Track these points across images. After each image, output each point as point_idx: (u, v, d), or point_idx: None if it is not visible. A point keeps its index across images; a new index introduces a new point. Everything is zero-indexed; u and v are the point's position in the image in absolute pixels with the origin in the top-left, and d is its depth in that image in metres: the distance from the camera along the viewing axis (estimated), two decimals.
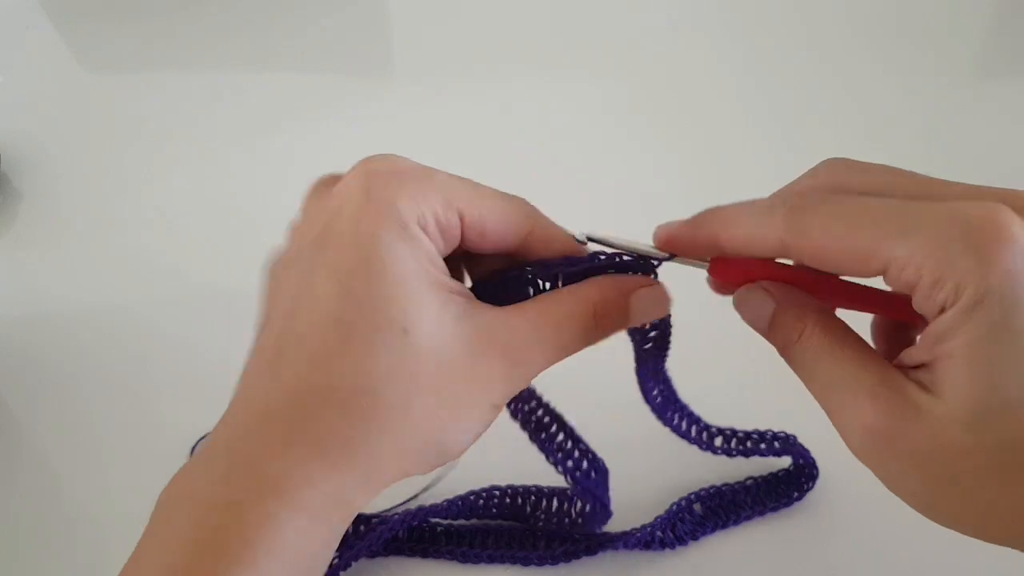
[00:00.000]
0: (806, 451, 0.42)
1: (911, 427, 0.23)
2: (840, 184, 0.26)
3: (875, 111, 0.63)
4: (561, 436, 0.35)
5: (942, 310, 0.23)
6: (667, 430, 0.39)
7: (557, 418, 0.35)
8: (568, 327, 0.29)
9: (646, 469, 0.43)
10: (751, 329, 0.29)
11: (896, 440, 0.24)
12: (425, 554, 0.41)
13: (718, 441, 0.41)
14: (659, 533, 0.40)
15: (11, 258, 0.58)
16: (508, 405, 0.34)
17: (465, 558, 0.41)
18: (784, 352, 0.28)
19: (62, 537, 0.44)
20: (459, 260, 0.31)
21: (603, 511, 0.39)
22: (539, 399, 0.34)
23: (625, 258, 0.30)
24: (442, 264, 0.28)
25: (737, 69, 0.68)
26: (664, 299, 0.31)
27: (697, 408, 0.40)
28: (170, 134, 0.66)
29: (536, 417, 0.34)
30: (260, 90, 0.69)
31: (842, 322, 0.27)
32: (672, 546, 0.40)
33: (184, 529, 0.25)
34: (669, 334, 0.34)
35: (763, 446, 0.41)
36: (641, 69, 0.70)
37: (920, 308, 0.24)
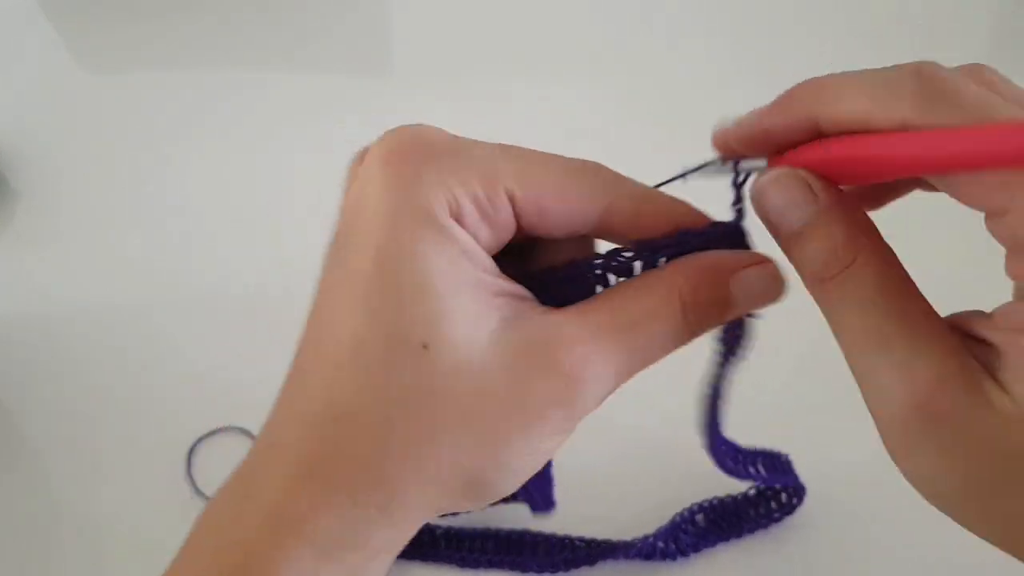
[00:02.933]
0: (794, 476, 0.40)
1: (974, 418, 0.20)
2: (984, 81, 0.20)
3: None
4: None
5: None
6: (671, 440, 0.37)
7: None
8: (648, 328, 0.23)
9: (648, 479, 0.43)
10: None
11: (950, 428, 0.20)
12: (424, 558, 0.41)
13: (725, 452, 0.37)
14: (660, 544, 0.40)
15: (9, 258, 0.58)
16: None
17: (464, 563, 0.41)
18: (815, 282, 0.22)
19: (62, 537, 0.44)
20: (526, 250, 0.26)
21: (537, 500, 0.37)
22: None
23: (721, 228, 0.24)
24: (485, 259, 0.23)
25: (738, 70, 0.68)
26: (778, 279, 0.24)
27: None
28: (169, 134, 0.66)
29: None
30: (260, 90, 0.69)
31: (897, 258, 0.22)
32: (673, 557, 0.40)
33: (199, 566, 0.23)
34: (747, 332, 0.27)
35: (761, 470, 0.39)
36: (642, 69, 0.70)
37: (1011, 272, 0.20)
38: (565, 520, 0.41)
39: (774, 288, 0.24)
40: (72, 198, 0.61)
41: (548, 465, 0.34)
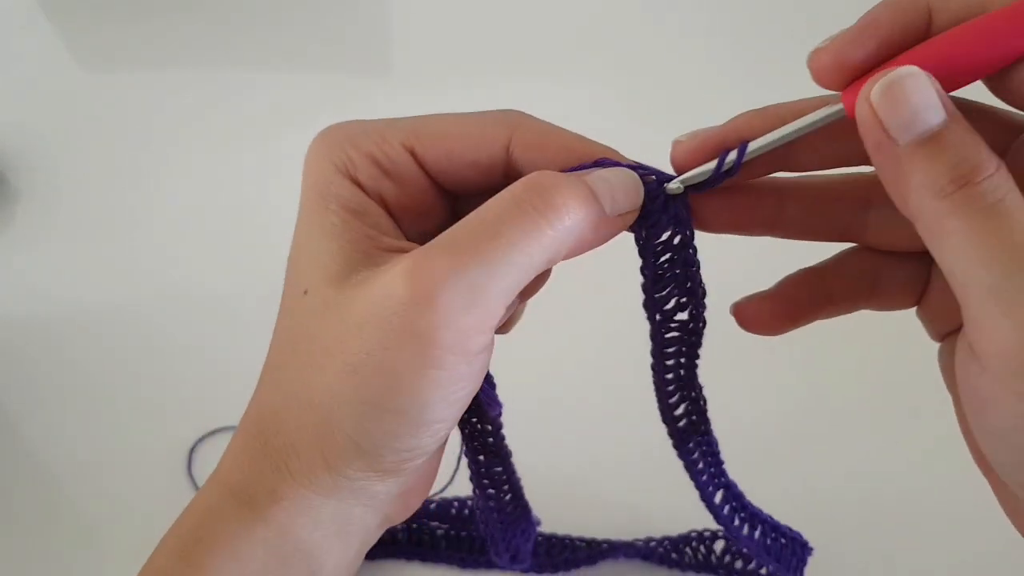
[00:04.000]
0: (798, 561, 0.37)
1: None
2: None
3: None
4: (499, 468, 0.30)
5: None
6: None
7: (502, 454, 0.29)
8: (492, 228, 0.21)
9: (670, 484, 0.42)
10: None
11: None
12: (424, 558, 0.41)
13: (721, 502, 0.33)
14: (661, 549, 0.40)
15: (9, 258, 0.58)
16: (461, 426, 0.28)
17: (464, 563, 0.41)
18: (952, 189, 0.19)
19: (62, 536, 0.44)
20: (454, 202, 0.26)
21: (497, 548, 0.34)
22: (499, 431, 0.29)
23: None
24: (375, 212, 0.24)
25: (739, 69, 0.68)
26: (626, 174, 0.23)
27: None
28: (168, 134, 0.66)
29: (481, 443, 0.29)
30: (260, 90, 0.69)
31: None
32: (670, 565, 0.40)
33: (176, 535, 0.25)
34: (701, 324, 0.26)
35: (761, 537, 0.35)
36: (643, 67, 0.70)
37: None
38: (565, 520, 0.41)
39: (630, 179, 0.23)
40: (72, 198, 0.61)
41: (530, 526, 0.33)
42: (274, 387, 0.24)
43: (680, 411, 0.29)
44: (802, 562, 0.37)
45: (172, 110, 0.68)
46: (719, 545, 0.40)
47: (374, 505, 0.25)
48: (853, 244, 0.27)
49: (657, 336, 0.27)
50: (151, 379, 0.50)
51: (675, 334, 0.27)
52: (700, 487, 0.31)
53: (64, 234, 0.59)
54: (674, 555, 0.40)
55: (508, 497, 0.31)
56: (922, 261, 0.25)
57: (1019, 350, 0.18)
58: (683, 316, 0.26)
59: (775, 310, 0.26)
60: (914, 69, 0.20)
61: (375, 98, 0.68)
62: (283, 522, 0.23)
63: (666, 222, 0.24)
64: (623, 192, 0.23)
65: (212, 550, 0.23)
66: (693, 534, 0.40)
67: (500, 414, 0.28)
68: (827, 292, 0.26)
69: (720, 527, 0.33)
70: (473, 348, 0.22)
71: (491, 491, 0.30)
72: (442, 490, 0.43)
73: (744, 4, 0.76)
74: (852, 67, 0.22)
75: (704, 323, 0.26)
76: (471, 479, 0.30)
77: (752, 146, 0.23)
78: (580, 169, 0.24)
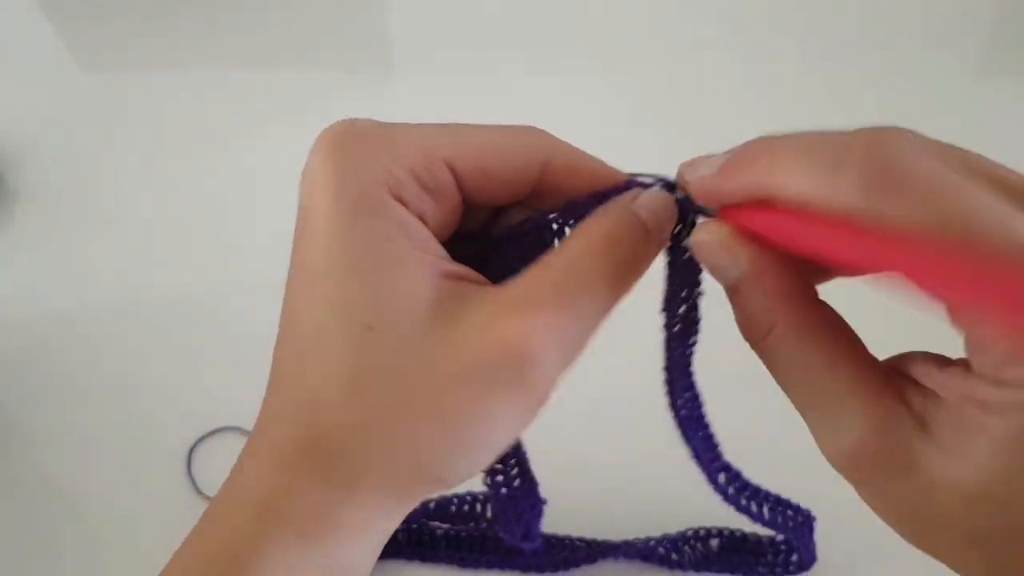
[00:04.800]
0: (809, 541, 0.38)
1: (899, 479, 0.20)
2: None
3: (876, 110, 0.63)
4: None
5: (999, 382, 0.18)
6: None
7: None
8: (582, 279, 0.22)
9: (653, 483, 0.42)
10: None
11: (878, 486, 0.21)
12: (424, 558, 0.41)
13: (727, 483, 0.34)
14: (661, 550, 0.40)
15: (8, 258, 0.58)
16: None
17: (464, 563, 0.41)
18: (747, 340, 0.23)
19: (62, 537, 0.44)
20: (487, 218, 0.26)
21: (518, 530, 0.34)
22: None
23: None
24: (425, 236, 0.23)
25: (740, 68, 0.68)
26: (664, 195, 0.24)
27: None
28: (168, 134, 0.66)
29: None
30: (259, 89, 0.69)
31: (825, 320, 0.22)
32: (670, 567, 0.40)
33: (192, 549, 0.24)
34: (696, 314, 0.27)
35: (771, 513, 0.36)
36: (643, 65, 0.70)
37: (973, 357, 0.19)
38: (565, 520, 0.41)
39: (664, 200, 0.24)
40: (72, 198, 0.61)
41: (538, 502, 0.33)
42: (336, 422, 0.23)
43: (680, 401, 0.30)
44: (809, 530, 0.38)
45: (172, 110, 0.68)
46: (715, 542, 0.40)
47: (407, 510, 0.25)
48: None
49: (669, 329, 0.28)
50: (151, 379, 0.50)
51: (679, 326, 0.28)
52: (705, 470, 0.33)
53: (64, 234, 0.59)
54: (673, 554, 0.40)
55: (515, 471, 0.31)
56: None
57: (836, 463, 0.22)
58: (683, 309, 0.27)
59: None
60: (710, 230, 0.22)
61: (375, 97, 0.68)
62: (338, 546, 0.23)
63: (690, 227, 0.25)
64: (667, 218, 0.24)
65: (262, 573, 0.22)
66: (690, 532, 0.40)
67: None
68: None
69: (714, 526, 0.36)
70: (552, 390, 0.23)
71: (498, 466, 0.31)
72: None
73: (748, 4, 0.76)
74: (720, 202, 0.23)
75: (698, 313, 0.27)
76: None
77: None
78: (612, 192, 0.24)
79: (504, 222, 0.26)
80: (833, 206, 0.18)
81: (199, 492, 0.44)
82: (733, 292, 0.22)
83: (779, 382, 0.22)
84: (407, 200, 0.23)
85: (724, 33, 0.73)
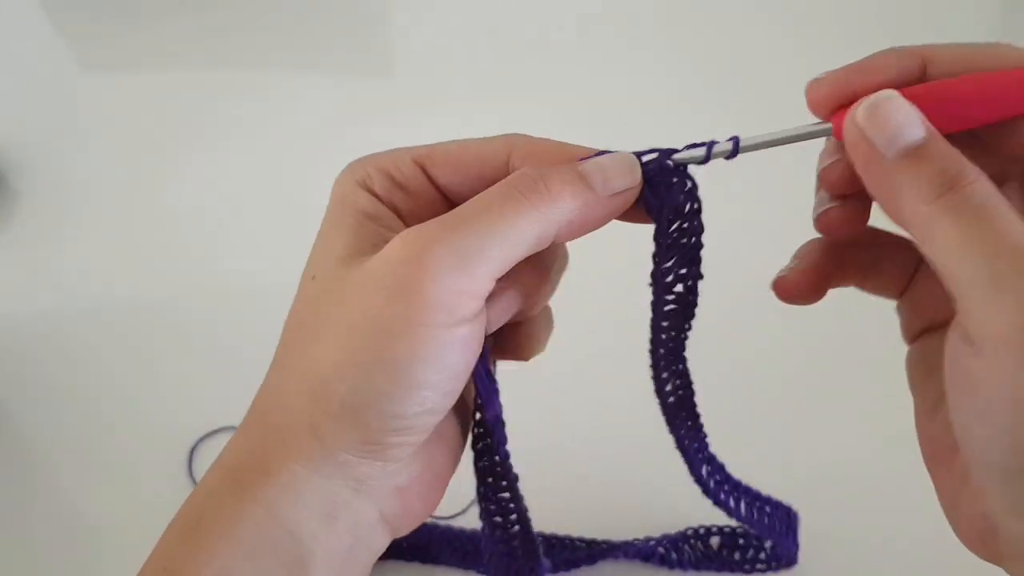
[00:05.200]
0: (791, 538, 0.39)
1: None
2: None
3: None
4: (506, 494, 0.29)
5: None
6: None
7: (509, 476, 0.29)
8: (481, 206, 0.24)
9: (668, 485, 0.42)
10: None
11: None
12: (424, 559, 0.41)
13: (708, 476, 0.34)
14: (661, 549, 0.40)
15: (9, 258, 0.58)
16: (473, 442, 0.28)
17: (464, 564, 0.41)
18: (931, 198, 0.21)
19: (62, 536, 0.44)
20: None
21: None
22: (503, 452, 0.28)
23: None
24: (387, 217, 0.26)
25: (739, 68, 0.68)
26: (629, 158, 0.25)
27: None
28: (169, 134, 0.66)
29: (486, 463, 0.29)
30: (259, 90, 0.69)
31: None
32: (671, 566, 0.40)
33: (180, 518, 0.26)
34: (694, 297, 0.28)
35: (748, 510, 0.36)
36: (645, 66, 0.70)
37: None
38: (565, 520, 0.41)
39: (626, 161, 0.25)
40: (72, 198, 0.61)
41: (541, 568, 0.32)
42: (278, 367, 0.26)
43: (669, 387, 0.30)
44: (793, 529, 0.39)
45: (173, 110, 0.68)
46: (715, 540, 0.40)
47: (363, 491, 0.25)
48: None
49: (657, 307, 0.28)
50: (151, 379, 0.50)
51: (672, 306, 0.28)
52: (688, 461, 0.33)
53: (64, 234, 0.59)
54: (673, 554, 0.40)
55: (516, 529, 0.30)
56: (913, 253, 0.27)
57: (1011, 333, 0.20)
58: (680, 288, 0.28)
59: (810, 280, 0.28)
60: (893, 92, 0.23)
61: (376, 99, 0.68)
62: (270, 499, 0.24)
63: (677, 190, 0.26)
64: (617, 171, 0.25)
65: (211, 531, 0.24)
66: (689, 531, 0.40)
67: (498, 418, 0.27)
68: (840, 263, 0.28)
69: (713, 524, 0.36)
70: (460, 310, 0.23)
71: (497, 519, 0.30)
72: (460, 513, 0.43)
73: (730, 10, 0.76)
74: (845, 100, 0.24)
75: (696, 296, 0.28)
76: (479, 504, 0.30)
77: (744, 143, 0.25)
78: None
79: None
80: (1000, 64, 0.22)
81: None
82: (928, 147, 0.22)
83: (960, 239, 0.21)
84: (377, 192, 0.26)
85: (724, 33, 0.73)
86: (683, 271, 0.27)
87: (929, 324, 0.27)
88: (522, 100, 0.66)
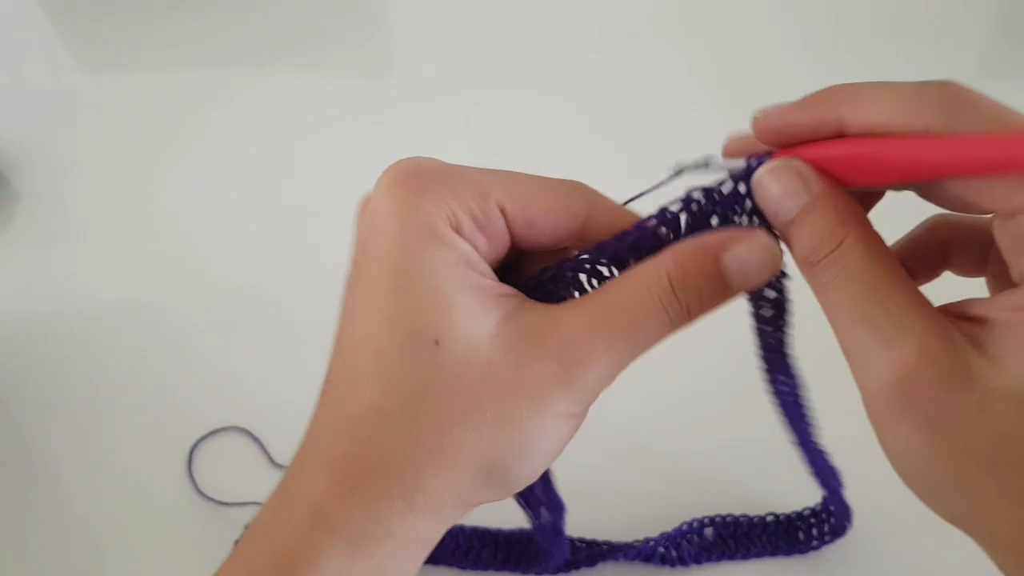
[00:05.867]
0: (842, 500, 0.39)
1: (957, 393, 0.20)
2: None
3: None
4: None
5: None
6: (693, 446, 0.36)
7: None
8: (638, 311, 0.24)
9: (662, 483, 0.43)
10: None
11: (931, 402, 0.21)
12: (425, 560, 0.41)
13: (815, 462, 0.35)
14: (661, 549, 0.40)
15: (9, 258, 0.58)
16: None
17: (465, 565, 0.41)
18: (806, 266, 0.23)
19: (62, 537, 0.44)
20: (520, 261, 0.28)
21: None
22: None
23: (700, 203, 0.25)
24: (483, 266, 0.25)
25: (739, 68, 0.68)
26: (771, 249, 0.24)
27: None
28: (169, 134, 0.66)
29: None
30: (260, 90, 0.69)
31: (885, 245, 0.23)
32: (672, 564, 0.40)
33: (244, 558, 0.25)
34: (785, 302, 0.27)
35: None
36: (646, 68, 0.70)
37: (1012, 260, 0.21)
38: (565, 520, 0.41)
39: (770, 257, 0.24)
40: (72, 198, 0.61)
41: (562, 522, 0.34)
42: (398, 434, 0.24)
43: (786, 388, 0.31)
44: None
45: (173, 110, 0.68)
46: (709, 531, 0.41)
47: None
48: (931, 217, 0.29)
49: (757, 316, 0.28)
50: (151, 379, 0.50)
51: (772, 310, 0.28)
52: (808, 453, 0.34)
53: (64, 234, 0.59)
54: (673, 551, 0.40)
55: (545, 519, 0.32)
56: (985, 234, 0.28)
57: (879, 396, 0.22)
58: (773, 293, 0.27)
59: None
60: (777, 163, 0.24)
61: (375, 98, 0.68)
62: (388, 557, 0.24)
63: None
64: (758, 266, 0.24)
65: None
66: (684, 526, 0.40)
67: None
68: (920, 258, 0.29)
69: (705, 516, 0.38)
70: (572, 424, 0.25)
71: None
72: None
73: (733, 8, 0.76)
74: (789, 137, 0.24)
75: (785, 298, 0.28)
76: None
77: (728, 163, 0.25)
78: (638, 234, 0.25)
79: (528, 263, 0.28)
80: (916, 124, 0.21)
81: (199, 492, 0.44)
82: (801, 219, 0.23)
83: (833, 301, 0.23)
84: (465, 235, 0.25)
85: (720, 34, 0.73)
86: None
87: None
88: (521, 100, 0.66)
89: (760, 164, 0.24)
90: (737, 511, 0.41)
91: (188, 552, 0.41)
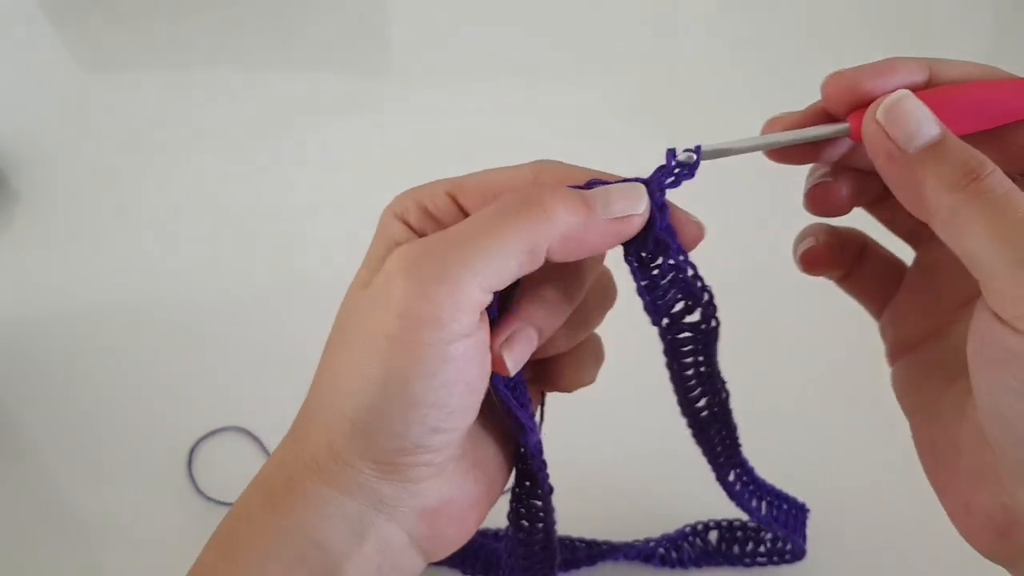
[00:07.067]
0: (800, 535, 0.39)
1: None
2: None
3: None
4: (538, 503, 0.31)
5: None
6: (693, 447, 0.34)
7: (543, 489, 0.30)
8: (474, 221, 0.24)
9: (654, 484, 0.43)
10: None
11: None
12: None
13: (734, 480, 0.35)
14: (661, 550, 0.40)
15: (9, 258, 0.58)
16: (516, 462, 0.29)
17: (464, 563, 0.41)
18: (954, 188, 0.23)
19: (62, 537, 0.44)
20: None
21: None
22: (539, 468, 0.29)
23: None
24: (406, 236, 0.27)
25: (738, 69, 0.68)
26: (627, 185, 0.25)
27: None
28: (169, 134, 0.66)
29: (523, 467, 0.30)
30: (259, 90, 0.69)
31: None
32: (672, 566, 0.40)
33: (219, 532, 0.26)
34: (714, 324, 0.27)
35: (768, 509, 0.37)
36: (642, 66, 0.70)
37: None
38: (565, 520, 0.41)
39: (633, 190, 0.25)
40: (72, 198, 0.61)
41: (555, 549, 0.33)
42: (312, 386, 0.26)
43: (702, 404, 0.30)
44: (802, 523, 0.40)
45: (172, 110, 0.68)
46: (714, 535, 0.41)
47: (385, 512, 0.25)
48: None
49: (668, 339, 0.28)
50: (151, 379, 0.50)
51: (688, 334, 0.28)
52: (716, 469, 0.33)
53: (64, 234, 0.59)
54: (673, 553, 0.40)
55: (539, 536, 0.31)
56: (897, 269, 0.30)
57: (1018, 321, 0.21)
58: (694, 318, 0.27)
59: (831, 256, 0.30)
60: (907, 92, 0.24)
61: (375, 98, 0.68)
62: (298, 515, 0.25)
63: (644, 238, 0.26)
64: (620, 196, 0.25)
65: (245, 545, 0.25)
66: (687, 528, 0.40)
67: (536, 441, 0.28)
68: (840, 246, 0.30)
69: (711, 519, 0.38)
70: (450, 325, 0.23)
71: (524, 523, 0.31)
72: None
73: (748, 4, 0.76)
74: (858, 101, 0.25)
75: (718, 322, 0.27)
76: (509, 506, 0.30)
77: (768, 142, 0.26)
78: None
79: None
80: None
81: (199, 492, 0.44)
82: (949, 141, 0.23)
83: (981, 226, 0.22)
84: (411, 223, 0.27)
85: (722, 36, 0.73)
86: (689, 303, 0.27)
87: (912, 339, 0.29)
88: (520, 98, 0.66)
89: (661, 178, 0.25)
90: (743, 515, 0.41)
91: (188, 552, 0.41)
